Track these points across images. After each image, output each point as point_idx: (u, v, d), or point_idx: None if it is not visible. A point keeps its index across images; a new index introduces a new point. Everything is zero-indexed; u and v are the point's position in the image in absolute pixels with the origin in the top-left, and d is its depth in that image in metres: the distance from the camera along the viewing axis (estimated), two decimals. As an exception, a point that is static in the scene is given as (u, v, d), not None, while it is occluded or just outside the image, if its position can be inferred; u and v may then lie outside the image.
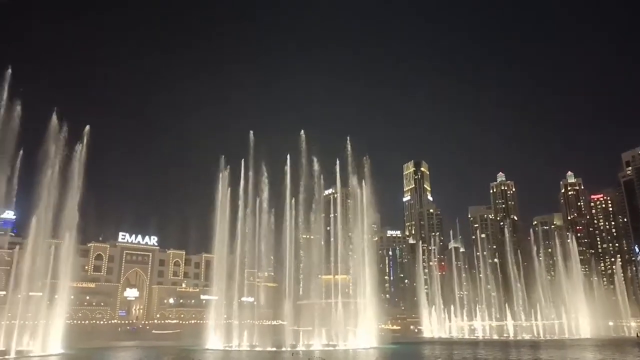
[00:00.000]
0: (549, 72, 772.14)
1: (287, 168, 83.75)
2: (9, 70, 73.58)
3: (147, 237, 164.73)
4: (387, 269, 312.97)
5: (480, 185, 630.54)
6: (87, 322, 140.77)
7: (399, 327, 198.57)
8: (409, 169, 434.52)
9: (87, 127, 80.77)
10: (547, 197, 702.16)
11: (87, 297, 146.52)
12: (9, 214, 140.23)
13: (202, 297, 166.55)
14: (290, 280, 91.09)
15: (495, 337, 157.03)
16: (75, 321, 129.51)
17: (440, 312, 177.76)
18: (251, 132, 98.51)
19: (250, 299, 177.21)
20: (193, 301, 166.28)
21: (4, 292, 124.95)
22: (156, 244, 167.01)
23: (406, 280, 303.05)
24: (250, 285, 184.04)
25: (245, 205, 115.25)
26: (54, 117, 75.84)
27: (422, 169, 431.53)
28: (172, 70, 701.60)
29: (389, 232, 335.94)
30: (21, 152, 77.77)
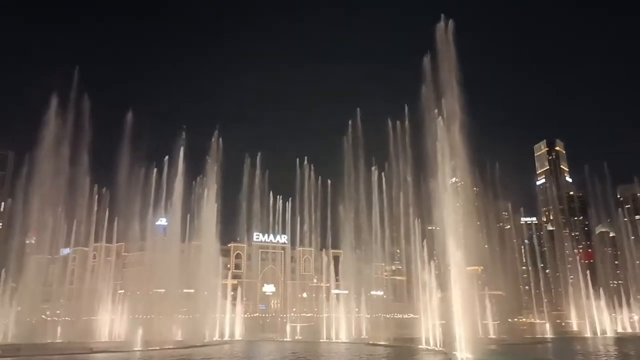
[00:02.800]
0: None
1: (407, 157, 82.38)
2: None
3: (278, 236, 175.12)
4: (523, 258, 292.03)
5: (631, 160, 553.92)
6: (233, 315, 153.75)
7: (544, 321, 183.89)
8: (541, 149, 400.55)
9: (220, 141, 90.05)
10: None
11: (232, 293, 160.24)
12: (162, 221, 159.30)
13: (332, 291, 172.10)
14: (419, 273, 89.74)
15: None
16: (222, 315, 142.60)
17: (592, 305, 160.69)
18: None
19: (380, 292, 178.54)
20: (325, 295, 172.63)
21: (164, 290, 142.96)
22: (287, 241, 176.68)
23: (547, 270, 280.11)
24: (378, 278, 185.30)
25: (369, 200, 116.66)
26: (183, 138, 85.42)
27: (557, 148, 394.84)
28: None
29: (523, 219, 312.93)
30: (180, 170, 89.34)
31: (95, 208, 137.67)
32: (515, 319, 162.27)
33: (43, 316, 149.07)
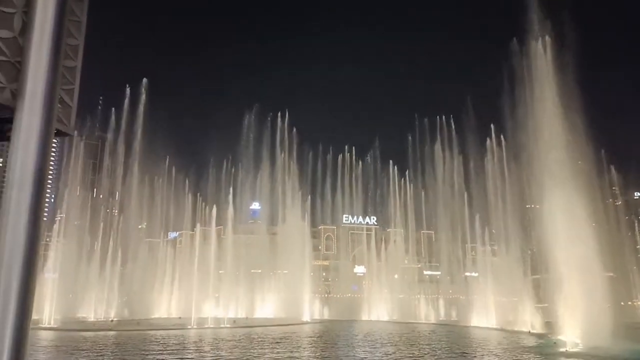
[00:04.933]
0: None
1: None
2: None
3: (367, 218, 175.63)
4: (637, 237, 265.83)
5: None
6: (326, 295, 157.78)
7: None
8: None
9: (295, 129, 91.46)
10: None
11: (324, 274, 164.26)
12: (256, 205, 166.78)
13: (425, 272, 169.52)
14: (518, 253, 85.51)
15: None
16: (316, 294, 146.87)
17: None
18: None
19: (475, 274, 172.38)
20: (416, 277, 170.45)
21: (260, 270, 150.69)
22: (375, 223, 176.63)
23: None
24: (472, 260, 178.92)
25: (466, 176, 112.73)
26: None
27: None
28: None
29: (637, 194, 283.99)
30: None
31: (197, 195, 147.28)
32: (629, 302, 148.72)
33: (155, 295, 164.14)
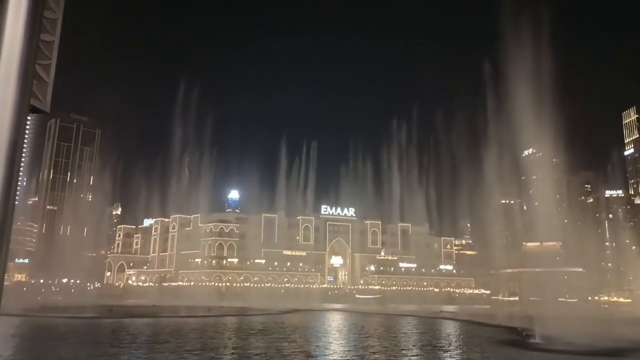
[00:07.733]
0: None
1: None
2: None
3: (345, 209, 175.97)
4: (607, 234, 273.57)
5: None
6: (302, 285, 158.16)
7: (629, 300, 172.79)
8: (630, 116, 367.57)
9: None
10: None
11: (300, 264, 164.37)
12: (235, 194, 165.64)
13: (400, 264, 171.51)
14: (491, 248, 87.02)
15: None
16: (292, 285, 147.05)
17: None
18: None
19: (449, 267, 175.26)
20: (392, 268, 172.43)
21: (237, 260, 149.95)
22: (354, 215, 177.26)
23: (633, 247, 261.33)
24: (447, 253, 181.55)
25: (436, 171, 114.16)
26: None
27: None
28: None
29: (608, 192, 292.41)
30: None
31: (174, 182, 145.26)
32: (596, 297, 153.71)
33: (130, 282, 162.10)
